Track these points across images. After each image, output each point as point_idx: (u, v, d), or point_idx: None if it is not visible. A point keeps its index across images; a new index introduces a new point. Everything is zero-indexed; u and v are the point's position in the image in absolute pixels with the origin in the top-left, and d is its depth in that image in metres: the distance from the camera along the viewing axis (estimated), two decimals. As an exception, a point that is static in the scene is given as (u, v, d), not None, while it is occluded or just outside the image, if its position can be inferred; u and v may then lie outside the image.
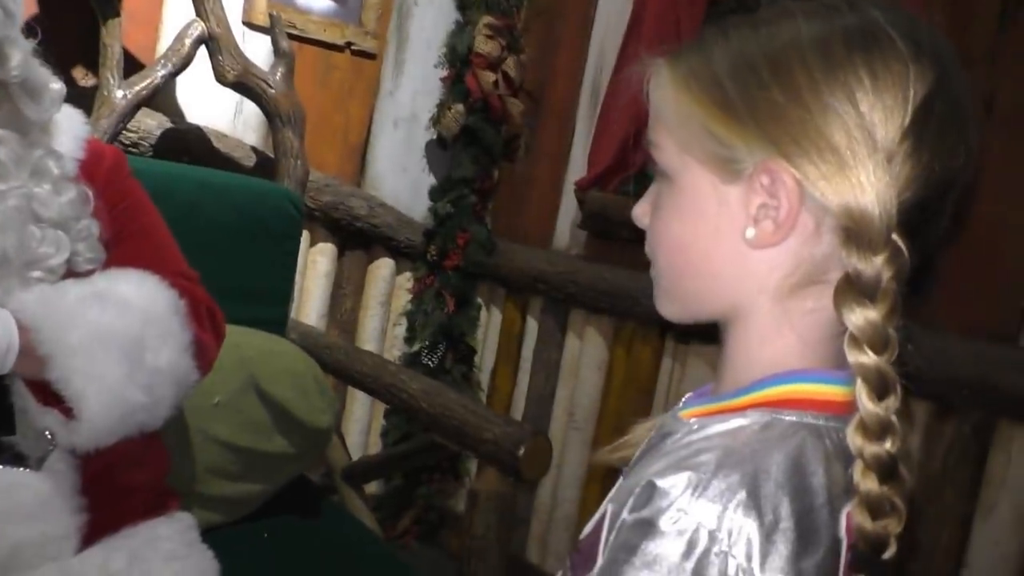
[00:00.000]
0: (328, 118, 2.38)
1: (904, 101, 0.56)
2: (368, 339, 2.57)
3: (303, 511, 1.69)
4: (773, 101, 0.58)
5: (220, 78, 1.94)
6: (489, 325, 2.62)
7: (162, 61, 1.88)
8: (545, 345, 2.44)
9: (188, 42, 1.86)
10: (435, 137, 2.53)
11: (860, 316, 0.56)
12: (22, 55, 0.99)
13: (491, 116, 2.43)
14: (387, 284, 2.59)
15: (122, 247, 1.11)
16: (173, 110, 2.13)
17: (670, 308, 0.66)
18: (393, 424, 2.57)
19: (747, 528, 0.53)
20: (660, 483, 0.55)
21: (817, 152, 0.56)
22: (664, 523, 0.53)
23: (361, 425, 2.59)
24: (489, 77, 2.36)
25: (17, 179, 1.00)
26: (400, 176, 2.54)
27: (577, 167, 2.36)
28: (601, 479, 2.24)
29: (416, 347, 2.55)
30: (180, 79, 2.01)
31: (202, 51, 1.93)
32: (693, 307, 0.65)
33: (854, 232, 0.56)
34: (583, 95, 2.39)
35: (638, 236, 0.68)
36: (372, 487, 2.54)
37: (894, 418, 0.56)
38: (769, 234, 0.59)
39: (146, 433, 1.05)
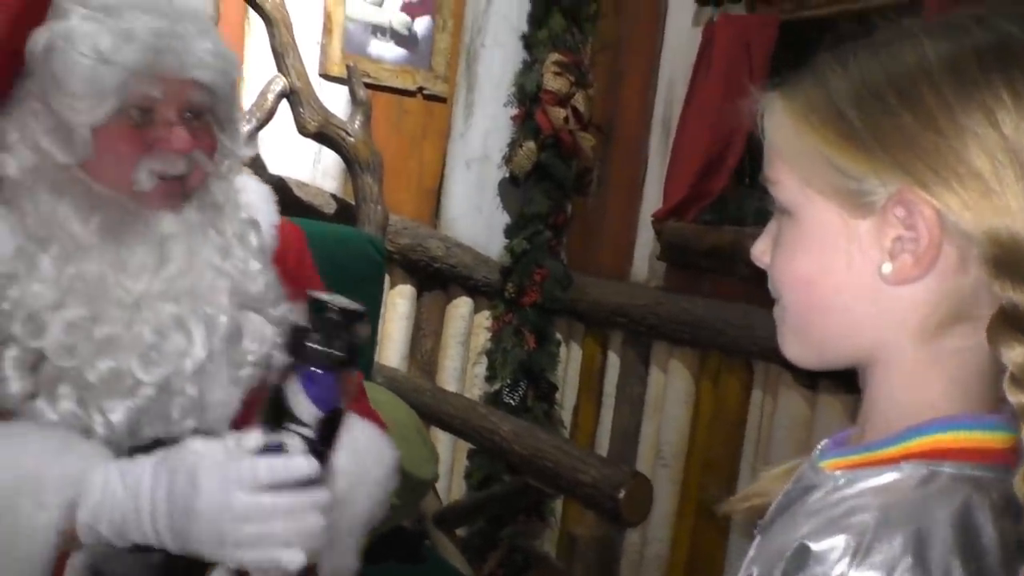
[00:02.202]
0: (403, 162, 2.42)
1: None
2: (448, 379, 2.57)
3: (401, 557, 1.68)
4: (903, 127, 0.54)
5: (302, 129, 1.99)
6: (569, 361, 2.60)
7: (247, 116, 1.94)
8: (628, 380, 2.40)
9: (271, 97, 1.92)
10: (507, 175, 2.54)
11: (1021, 353, 0.51)
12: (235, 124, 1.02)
13: (562, 151, 2.44)
14: (466, 323, 2.59)
15: None
16: (255, 162, 2.18)
17: (798, 350, 0.62)
18: (476, 465, 2.56)
19: None
20: (815, 547, 0.51)
21: (957, 178, 0.52)
22: None
23: (444, 467, 2.59)
24: (559, 113, 2.37)
25: (233, 256, 0.99)
26: (475, 215, 2.56)
27: (651, 198, 2.34)
28: (693, 517, 2.18)
29: (497, 386, 2.54)
30: (263, 133, 2.07)
31: (283, 103, 1.99)
32: (826, 349, 0.61)
33: (1005, 261, 0.52)
34: (654, 126, 2.37)
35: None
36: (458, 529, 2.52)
37: None
38: (908, 268, 0.55)
39: None
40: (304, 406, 0.77)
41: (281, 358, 0.79)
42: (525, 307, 2.48)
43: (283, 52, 1.92)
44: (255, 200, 1.07)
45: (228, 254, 0.97)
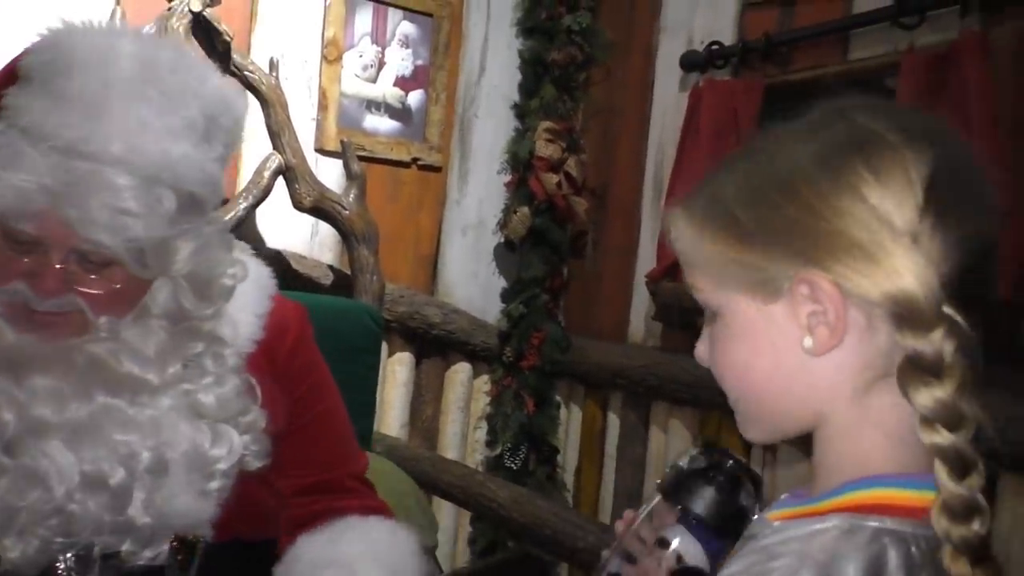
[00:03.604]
0: (399, 231, 2.46)
1: (910, 183, 0.58)
2: (449, 444, 2.56)
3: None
4: (789, 218, 0.60)
5: (297, 205, 2.03)
6: (570, 423, 2.59)
7: (243, 194, 1.98)
8: (629, 441, 2.40)
9: (267, 174, 1.97)
10: (503, 240, 2.58)
11: (927, 396, 0.56)
12: (192, 248, 0.95)
13: (556, 216, 2.48)
14: (465, 388, 2.60)
15: (295, 439, 1.09)
16: (253, 238, 2.22)
17: (756, 433, 0.67)
18: (480, 531, 2.53)
19: None
20: None
21: (844, 251, 0.58)
22: None
23: (448, 534, 2.56)
24: (552, 179, 2.41)
25: (169, 375, 0.96)
26: (471, 281, 2.58)
27: (646, 259, 2.36)
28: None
29: (498, 450, 2.53)
30: (261, 208, 2.12)
31: (280, 180, 2.03)
32: (778, 426, 0.65)
33: (901, 315, 0.57)
34: (646, 188, 2.42)
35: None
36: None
37: (979, 498, 0.55)
38: (826, 339, 0.60)
39: None
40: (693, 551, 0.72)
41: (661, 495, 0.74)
42: (524, 371, 2.49)
43: (278, 131, 1.97)
44: (244, 289, 1.04)
45: (169, 378, 0.95)
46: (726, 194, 0.63)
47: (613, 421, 2.45)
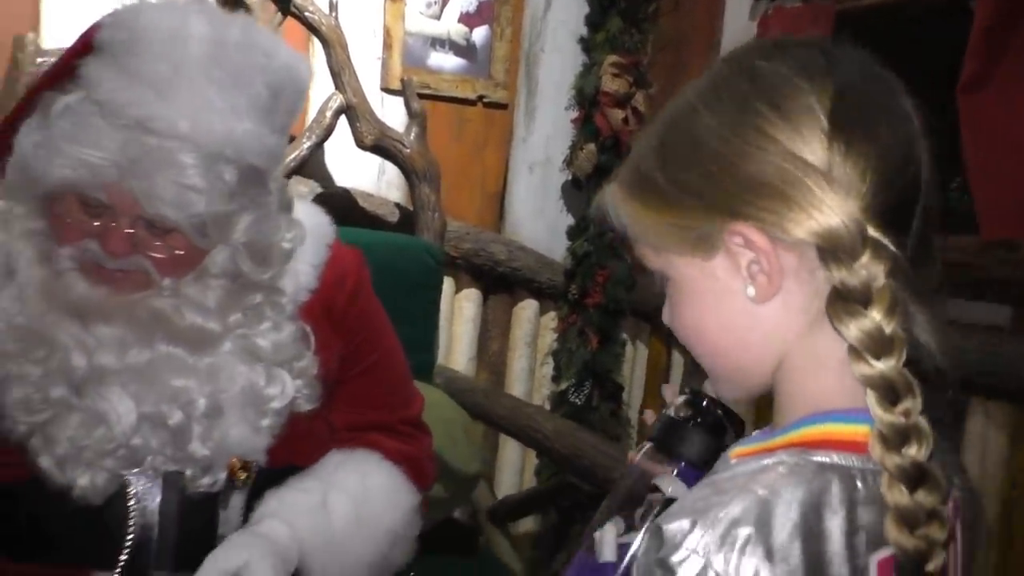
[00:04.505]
0: (465, 169, 2.48)
1: (813, 113, 0.57)
2: (516, 379, 2.62)
3: (451, 550, 1.75)
4: (706, 173, 0.60)
5: (359, 143, 2.09)
6: (636, 361, 2.60)
7: (307, 133, 2.04)
8: (693, 378, 2.38)
9: (329, 114, 2.02)
10: (570, 178, 2.57)
11: (854, 327, 0.56)
12: (251, 219, 1.00)
13: (623, 152, 2.44)
14: (532, 325, 2.63)
15: (351, 386, 1.15)
16: (321, 176, 2.30)
17: (729, 389, 0.67)
18: (546, 463, 2.59)
19: (755, 568, 0.52)
20: (667, 527, 0.55)
21: (762, 197, 0.58)
22: (675, 563, 0.53)
23: (514, 465, 2.64)
24: (618, 114, 2.37)
25: (230, 323, 1.02)
26: (538, 219, 2.59)
27: (714, 196, 2.31)
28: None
29: (563, 386, 2.57)
30: (328, 147, 2.18)
31: (344, 119, 2.09)
32: (747, 382, 0.65)
33: (827, 250, 0.56)
34: (716, 122, 2.35)
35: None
36: (528, 525, 2.57)
37: (919, 421, 0.54)
38: (766, 286, 0.60)
39: None
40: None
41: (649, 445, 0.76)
42: (589, 308, 2.50)
43: (339, 71, 2.02)
44: (306, 240, 1.09)
45: (231, 325, 1.02)
46: (646, 161, 0.64)
47: (677, 360, 2.44)
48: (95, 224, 0.95)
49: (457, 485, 1.63)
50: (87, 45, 0.96)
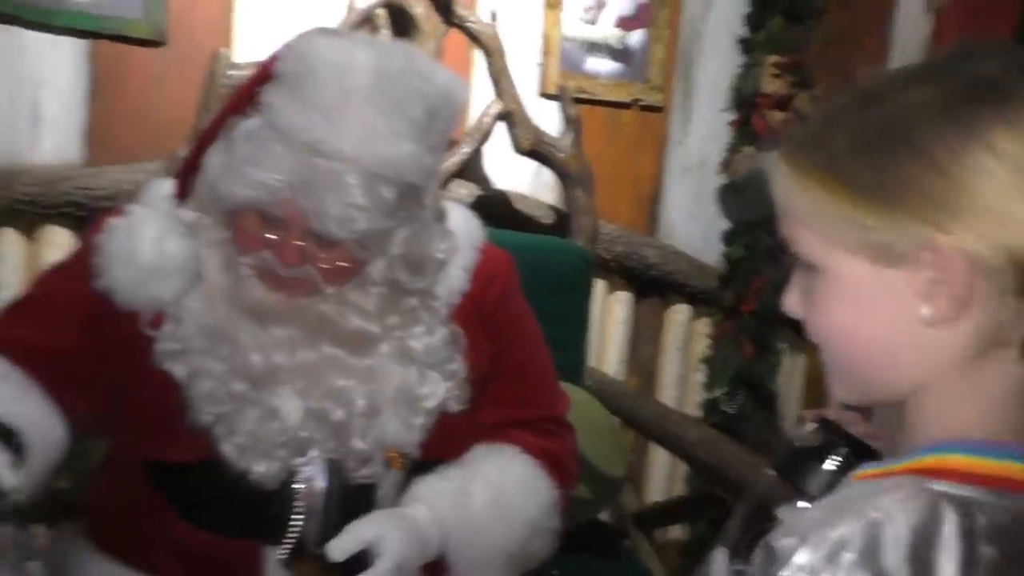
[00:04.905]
0: (619, 172, 2.49)
1: None
2: (667, 384, 2.60)
3: (595, 552, 1.77)
4: (913, 176, 0.55)
5: (517, 148, 2.15)
6: (793, 371, 2.51)
7: (467, 138, 2.13)
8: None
9: (487, 120, 2.09)
10: (726, 182, 2.51)
11: None
12: (408, 232, 1.09)
13: (783, 155, 2.37)
14: (684, 330, 2.60)
15: (498, 385, 1.21)
16: (480, 178, 2.38)
17: (845, 392, 0.64)
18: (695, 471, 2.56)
19: None
20: (777, 544, 0.54)
21: (975, 215, 0.54)
22: None
23: (664, 471, 2.61)
24: (777, 116, 2.30)
25: (388, 325, 1.10)
26: (691, 223, 2.56)
27: (882, 200, 2.20)
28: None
29: (716, 393, 2.52)
30: (487, 150, 2.26)
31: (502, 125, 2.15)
32: (871, 390, 0.62)
33: None
34: (886, 122, 2.23)
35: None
36: (676, 533, 2.54)
37: None
38: (946, 309, 0.55)
39: None
40: None
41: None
42: (743, 315, 2.44)
43: (498, 78, 2.08)
44: (459, 244, 1.16)
45: (388, 327, 1.10)
46: (835, 144, 0.59)
47: (838, 371, 2.33)
48: (271, 236, 1.05)
49: (602, 487, 1.64)
50: (266, 74, 1.07)
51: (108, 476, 1.23)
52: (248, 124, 1.05)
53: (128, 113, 2.05)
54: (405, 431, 1.11)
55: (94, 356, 1.10)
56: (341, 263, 1.06)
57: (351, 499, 1.11)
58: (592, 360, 2.32)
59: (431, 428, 1.13)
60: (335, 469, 1.11)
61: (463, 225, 1.20)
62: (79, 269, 1.12)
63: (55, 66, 2.00)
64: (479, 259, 1.19)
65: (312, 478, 1.11)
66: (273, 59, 1.08)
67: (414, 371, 1.11)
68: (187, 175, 1.12)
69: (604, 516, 2.04)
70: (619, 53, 2.43)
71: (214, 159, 1.07)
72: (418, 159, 1.05)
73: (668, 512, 2.08)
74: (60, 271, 1.20)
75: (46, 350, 1.08)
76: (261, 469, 1.07)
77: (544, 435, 1.23)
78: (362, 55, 1.04)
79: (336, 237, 1.03)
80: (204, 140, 1.11)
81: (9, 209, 1.93)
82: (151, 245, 1.06)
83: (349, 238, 1.03)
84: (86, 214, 1.88)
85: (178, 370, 1.08)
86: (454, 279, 1.16)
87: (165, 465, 1.12)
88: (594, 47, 2.41)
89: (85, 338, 1.10)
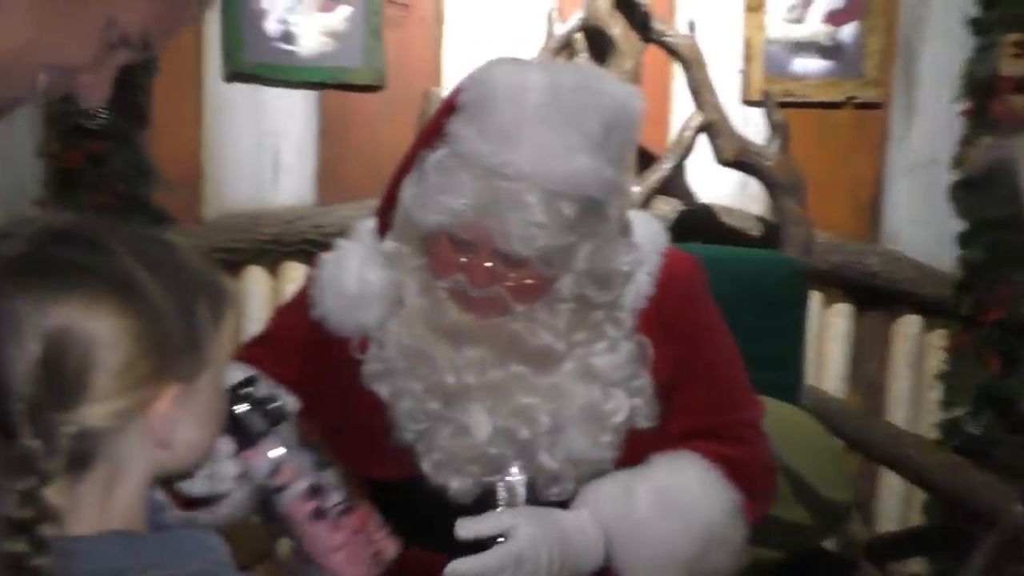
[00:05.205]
0: (833, 177, 2.33)
1: None
2: (897, 403, 2.39)
3: (824, 584, 1.65)
4: None
5: (720, 158, 2.08)
6: (1050, 387, 2.21)
7: (668, 154, 2.09)
8: None
9: (688, 133, 2.04)
10: (961, 178, 2.28)
11: None
12: (592, 247, 1.08)
13: (1029, 145, 2.11)
14: (915, 344, 2.38)
15: (683, 393, 1.18)
16: (683, 192, 2.32)
17: None
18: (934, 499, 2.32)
19: None
20: None
21: None
22: None
23: (897, 497, 2.40)
24: (1020, 101, 2.06)
25: (573, 342, 1.10)
26: (920, 226, 2.35)
27: None
28: None
29: (956, 413, 2.28)
30: (691, 164, 2.21)
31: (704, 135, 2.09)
32: None
33: None
34: None
35: None
36: (916, 566, 2.32)
37: None
38: None
39: None
40: None
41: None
42: (987, 325, 2.19)
43: (699, 89, 2.03)
44: (642, 249, 1.15)
45: (574, 343, 1.10)
46: None
47: (1110, 388, 2.03)
48: (462, 260, 1.09)
49: (824, 513, 1.53)
50: (451, 106, 1.11)
51: None
52: (437, 155, 1.09)
53: (352, 154, 2.23)
54: (593, 448, 1.11)
55: (315, 382, 1.18)
56: (528, 281, 1.08)
57: None
58: (810, 378, 2.18)
59: (621, 445, 1.12)
60: (530, 487, 1.13)
61: (646, 231, 1.19)
62: (301, 301, 1.22)
63: (290, 116, 2.22)
64: (663, 263, 1.18)
65: (508, 496, 1.13)
66: (456, 91, 1.12)
67: (597, 389, 1.10)
68: (386, 210, 1.19)
69: (830, 545, 1.90)
70: (829, 50, 2.28)
71: (408, 191, 1.13)
72: (597, 173, 1.05)
73: (903, 543, 1.90)
74: (287, 304, 1.31)
75: (275, 379, 1.17)
76: (456, 485, 1.10)
77: (724, 441, 1.17)
78: (535, 76, 1.06)
79: (520, 255, 1.05)
80: (398, 175, 1.17)
81: (257, 249, 2.16)
82: (354, 276, 1.14)
83: (533, 256, 1.05)
84: (319, 250, 2.04)
85: (383, 391, 1.14)
86: (641, 285, 1.15)
87: (372, 483, 1.18)
88: (800, 47, 2.28)
89: (307, 366, 1.19)
